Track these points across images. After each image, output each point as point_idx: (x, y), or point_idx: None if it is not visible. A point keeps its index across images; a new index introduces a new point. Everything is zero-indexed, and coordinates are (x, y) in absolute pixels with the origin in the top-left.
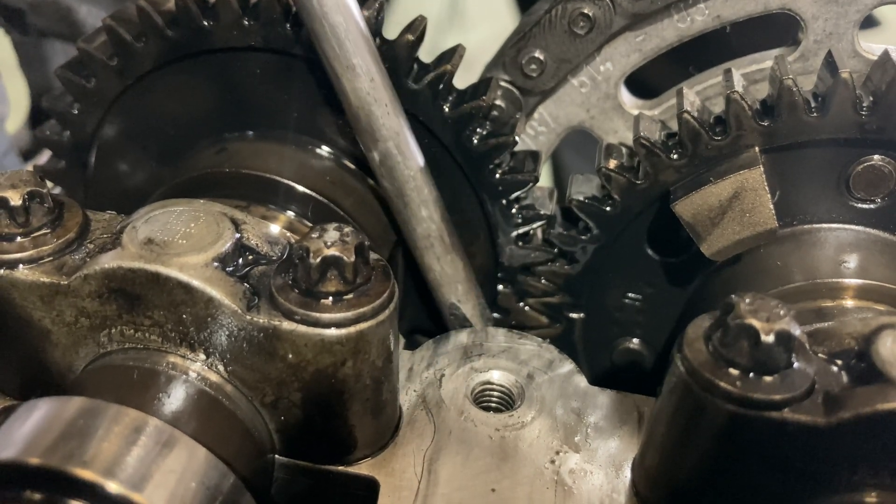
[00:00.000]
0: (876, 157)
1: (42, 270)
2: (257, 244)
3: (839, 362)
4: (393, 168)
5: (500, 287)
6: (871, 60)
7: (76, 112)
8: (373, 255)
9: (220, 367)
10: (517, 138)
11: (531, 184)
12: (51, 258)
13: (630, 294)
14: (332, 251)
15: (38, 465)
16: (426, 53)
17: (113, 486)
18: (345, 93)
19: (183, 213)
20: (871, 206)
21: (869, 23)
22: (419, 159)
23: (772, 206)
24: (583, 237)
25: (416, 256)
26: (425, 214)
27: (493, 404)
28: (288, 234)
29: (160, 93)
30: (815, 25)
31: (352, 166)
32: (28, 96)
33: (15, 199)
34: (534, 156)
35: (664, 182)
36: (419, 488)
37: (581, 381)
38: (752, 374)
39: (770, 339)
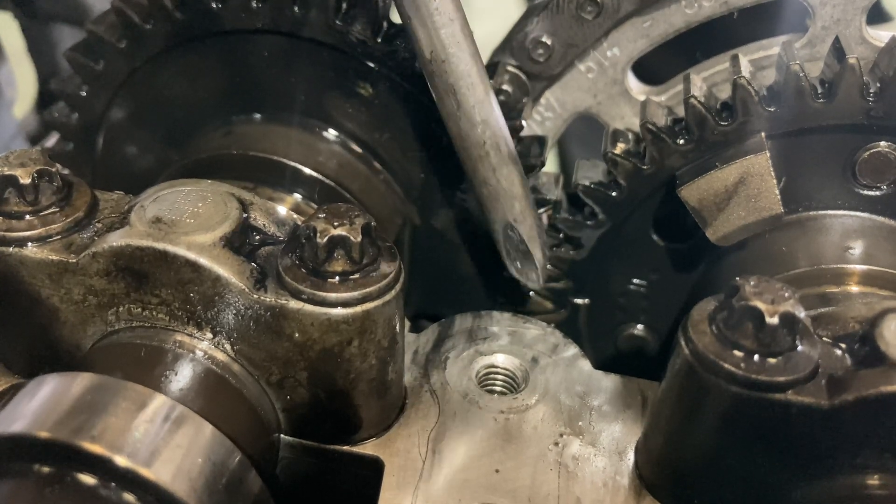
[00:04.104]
0: (882, 143)
1: (50, 248)
2: (265, 224)
3: (843, 345)
4: (445, 61)
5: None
6: (878, 47)
7: (84, 94)
8: (379, 237)
9: (227, 346)
10: (524, 123)
11: (537, 168)
12: (59, 236)
13: (635, 280)
14: (339, 231)
15: (48, 439)
16: None
17: (121, 461)
18: None
19: (191, 193)
20: (877, 192)
21: (880, 18)
22: (477, 56)
23: (777, 192)
24: (588, 222)
25: (468, 169)
26: (480, 118)
27: (498, 387)
28: (295, 215)
29: (168, 75)
30: (823, 12)
31: (359, 149)
32: (35, 81)
33: (24, 177)
34: (540, 141)
35: (670, 167)
36: (423, 468)
37: (585, 364)
38: (756, 356)
39: (775, 321)
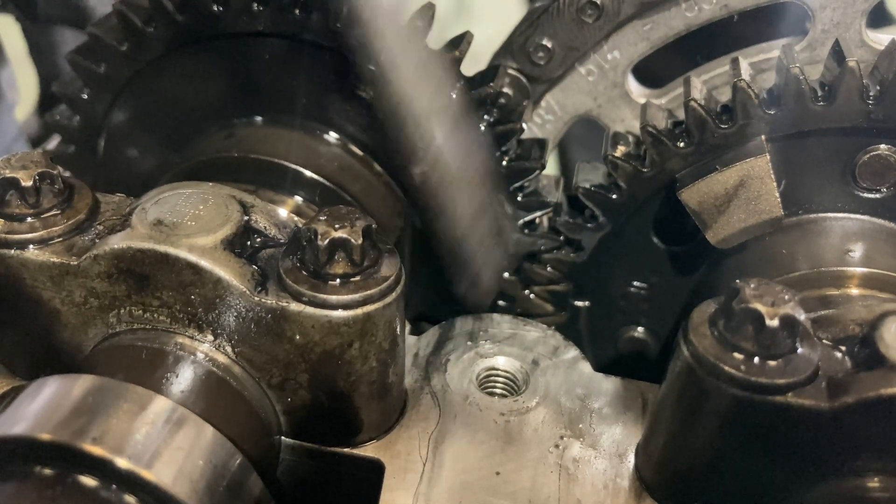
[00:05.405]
0: (882, 146)
1: (52, 251)
2: (266, 227)
3: (843, 348)
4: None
5: (506, 274)
6: (878, 50)
7: (86, 97)
8: (380, 239)
9: (228, 348)
10: (524, 126)
11: (538, 171)
12: (61, 239)
13: (635, 282)
14: (340, 233)
15: (49, 441)
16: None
17: (122, 463)
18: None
19: (192, 196)
20: (877, 195)
21: (880, 19)
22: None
23: (778, 195)
24: (589, 225)
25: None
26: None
27: (498, 389)
28: (296, 218)
29: (170, 78)
30: (823, 15)
31: (359, 152)
32: (37, 83)
33: (26, 179)
34: (541, 143)
35: (670, 170)
36: (424, 470)
37: (586, 367)
38: (756, 359)
39: (775, 323)
